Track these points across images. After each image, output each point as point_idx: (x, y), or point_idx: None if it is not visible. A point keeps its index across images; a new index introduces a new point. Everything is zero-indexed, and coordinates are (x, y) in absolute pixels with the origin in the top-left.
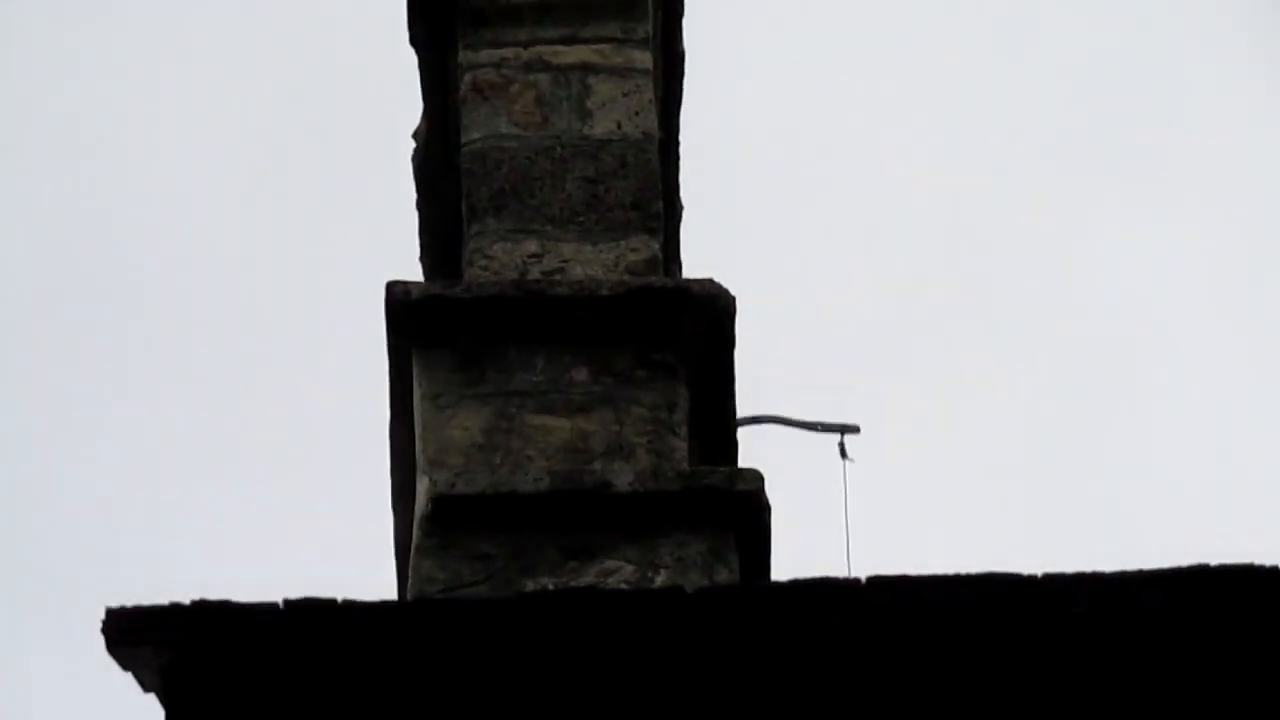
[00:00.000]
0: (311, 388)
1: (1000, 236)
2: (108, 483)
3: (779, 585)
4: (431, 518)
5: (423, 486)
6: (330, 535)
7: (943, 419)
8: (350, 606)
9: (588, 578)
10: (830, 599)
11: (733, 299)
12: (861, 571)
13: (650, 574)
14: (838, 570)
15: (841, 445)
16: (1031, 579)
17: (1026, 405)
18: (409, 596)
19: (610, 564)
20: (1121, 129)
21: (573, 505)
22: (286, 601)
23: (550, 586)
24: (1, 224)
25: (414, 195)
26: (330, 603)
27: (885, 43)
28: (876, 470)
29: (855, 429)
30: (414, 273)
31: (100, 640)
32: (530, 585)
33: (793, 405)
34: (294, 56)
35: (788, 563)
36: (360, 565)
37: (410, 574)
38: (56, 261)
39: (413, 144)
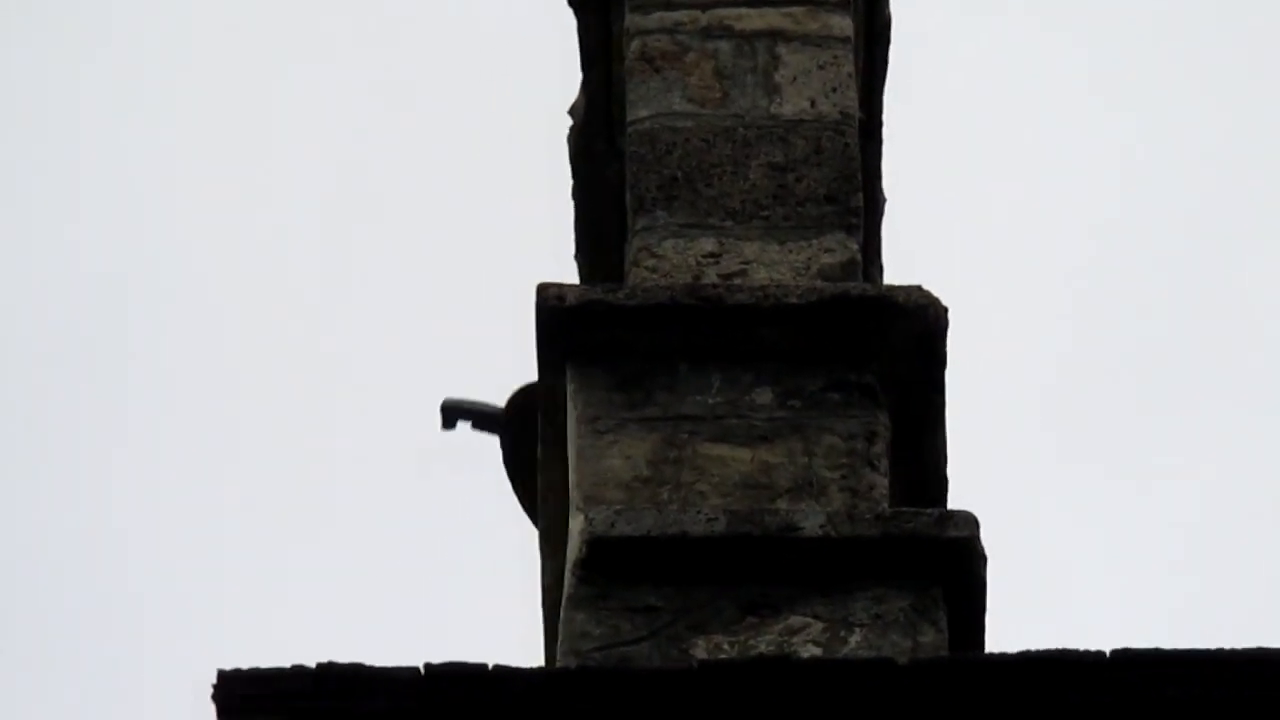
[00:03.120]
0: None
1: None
2: (216, 538)
3: (1006, 658)
4: (586, 563)
5: (576, 526)
6: (466, 585)
7: (1183, 455)
8: (503, 674)
9: (769, 636)
10: (1067, 676)
11: (945, 310)
12: (1096, 635)
13: (843, 633)
14: (1062, 628)
15: None
16: None
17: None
18: (559, 653)
19: (796, 620)
20: None
21: (752, 551)
22: (428, 666)
23: (725, 645)
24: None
25: (569, 182)
26: (479, 669)
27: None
28: (1112, 509)
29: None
30: (568, 274)
31: (211, 710)
32: (701, 644)
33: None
34: (427, 13)
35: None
36: (501, 618)
37: (561, 628)
38: (145, 298)
39: (569, 122)
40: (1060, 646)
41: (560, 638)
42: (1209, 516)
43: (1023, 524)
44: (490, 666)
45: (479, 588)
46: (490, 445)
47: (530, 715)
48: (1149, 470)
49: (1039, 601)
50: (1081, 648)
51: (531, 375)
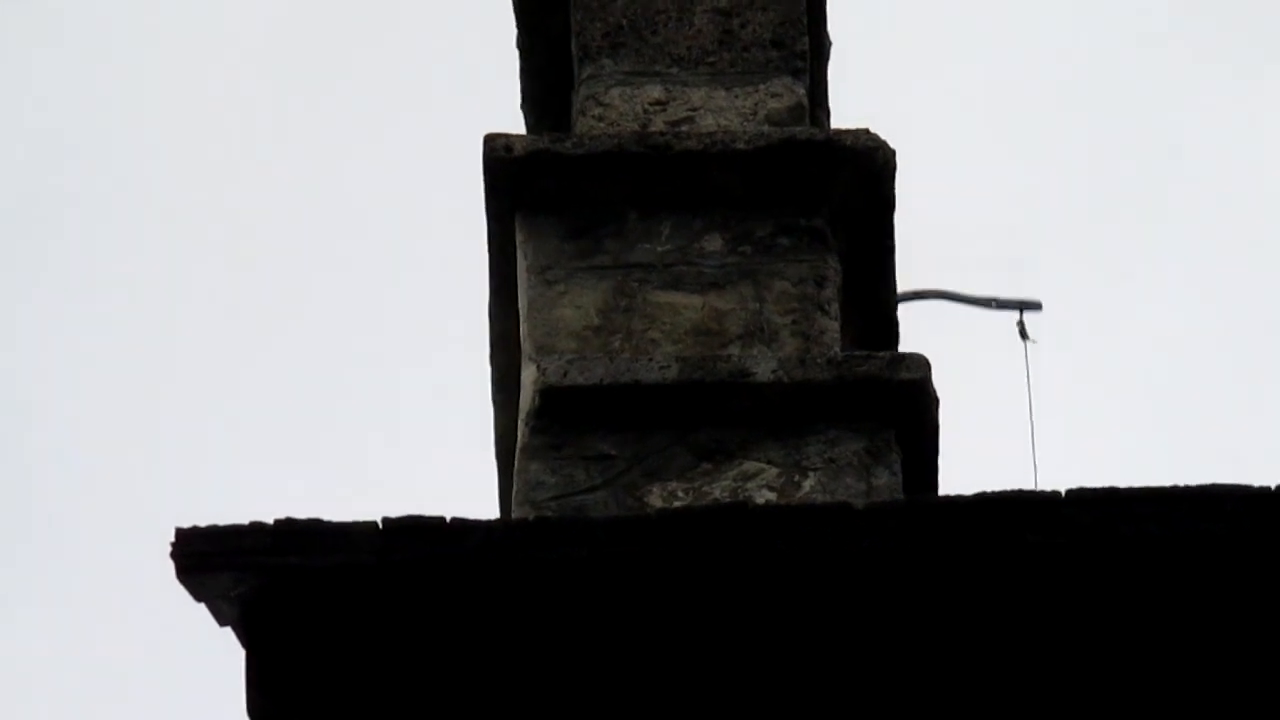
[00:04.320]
0: (394, 262)
1: (1183, 98)
2: (172, 397)
3: (963, 500)
4: (539, 413)
5: (529, 376)
6: (420, 436)
7: (1130, 304)
8: (460, 526)
9: (724, 482)
10: (1023, 516)
11: (893, 153)
12: (1049, 479)
13: (797, 478)
14: (1019, 477)
15: (1021, 324)
16: (1265, 492)
17: (1219, 290)
18: (514, 503)
19: (749, 466)
20: None
21: (704, 397)
22: (385, 520)
23: (680, 492)
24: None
25: (514, 32)
26: (436, 522)
27: None
28: (1061, 359)
29: (1037, 305)
30: (516, 124)
31: (169, 566)
32: (656, 490)
33: (960, 280)
34: None
35: (957, 466)
36: (456, 469)
37: (515, 478)
38: (109, 154)
39: None
40: (1015, 488)
41: (515, 488)
42: (1162, 361)
43: (975, 364)
44: (448, 519)
45: (435, 440)
46: None
47: (489, 567)
48: (1100, 316)
49: (993, 445)
50: (1037, 488)
51: (479, 227)
